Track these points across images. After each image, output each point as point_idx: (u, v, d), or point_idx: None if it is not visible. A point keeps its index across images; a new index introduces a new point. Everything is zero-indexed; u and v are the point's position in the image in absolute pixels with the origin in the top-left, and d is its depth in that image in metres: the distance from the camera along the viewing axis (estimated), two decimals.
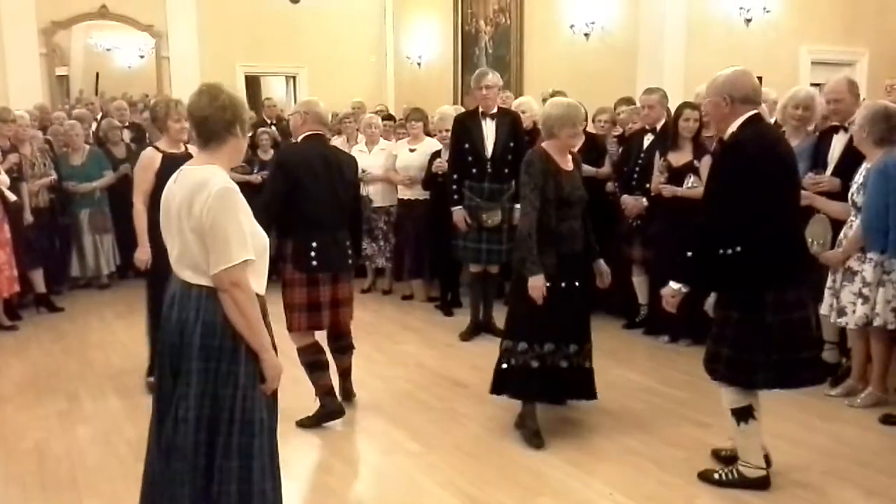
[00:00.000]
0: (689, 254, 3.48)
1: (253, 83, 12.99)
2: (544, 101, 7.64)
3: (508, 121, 5.80)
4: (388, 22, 13.55)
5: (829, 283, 4.63)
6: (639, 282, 6.20)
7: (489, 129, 5.76)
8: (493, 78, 5.81)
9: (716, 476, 3.67)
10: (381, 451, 4.14)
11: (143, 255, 4.84)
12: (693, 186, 5.58)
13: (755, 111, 3.45)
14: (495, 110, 5.79)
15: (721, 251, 3.34)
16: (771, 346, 3.39)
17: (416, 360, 5.64)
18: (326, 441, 4.30)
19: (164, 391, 2.62)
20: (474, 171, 5.78)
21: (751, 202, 3.30)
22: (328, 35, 12.80)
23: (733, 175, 3.34)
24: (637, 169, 6.03)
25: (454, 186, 5.91)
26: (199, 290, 2.54)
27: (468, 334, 6.08)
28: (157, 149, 4.80)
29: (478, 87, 5.80)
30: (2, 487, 3.73)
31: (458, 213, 5.86)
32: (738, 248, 3.31)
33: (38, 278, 6.99)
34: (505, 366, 4.16)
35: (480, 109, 5.82)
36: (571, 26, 9.81)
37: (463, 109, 6.96)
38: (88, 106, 9.58)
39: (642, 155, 6.03)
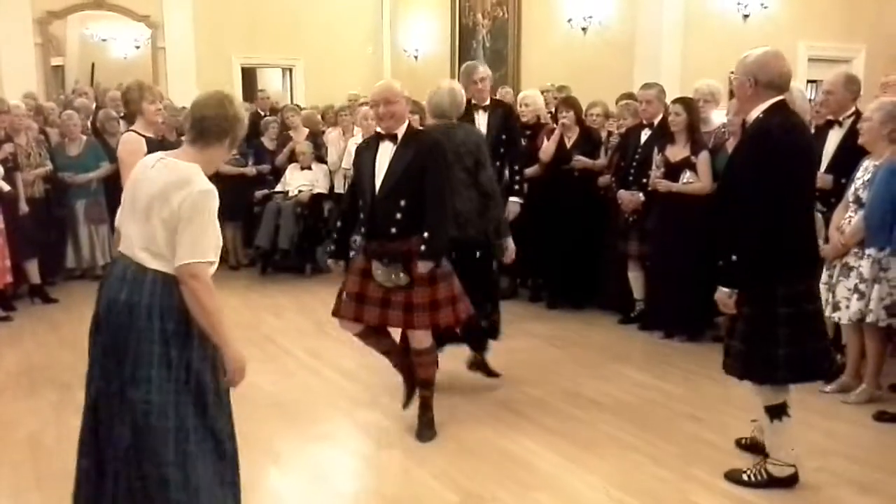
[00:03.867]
0: (735, 257, 3.25)
1: (249, 75, 12.97)
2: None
3: (500, 113, 5.71)
4: (386, 14, 13.52)
5: (824, 278, 4.63)
6: (634, 277, 6.20)
7: (481, 121, 5.68)
8: (486, 70, 5.81)
9: (744, 477, 3.54)
10: (376, 444, 4.13)
11: None
12: (688, 182, 5.60)
13: (780, 98, 3.29)
14: (487, 102, 5.73)
15: (745, 245, 3.23)
16: (787, 339, 3.29)
17: None
18: (322, 434, 4.30)
19: (105, 375, 2.61)
20: None
21: (773, 194, 3.17)
22: (325, 27, 12.78)
23: (757, 165, 3.20)
24: (634, 164, 6.03)
25: None
26: (154, 273, 2.57)
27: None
28: (137, 133, 4.58)
29: (472, 81, 5.77)
30: None
31: None
32: (759, 241, 3.19)
33: (33, 269, 6.96)
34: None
35: (473, 102, 5.79)
36: (569, 20, 9.81)
37: None
38: (83, 95, 9.53)
39: (639, 150, 6.03)
